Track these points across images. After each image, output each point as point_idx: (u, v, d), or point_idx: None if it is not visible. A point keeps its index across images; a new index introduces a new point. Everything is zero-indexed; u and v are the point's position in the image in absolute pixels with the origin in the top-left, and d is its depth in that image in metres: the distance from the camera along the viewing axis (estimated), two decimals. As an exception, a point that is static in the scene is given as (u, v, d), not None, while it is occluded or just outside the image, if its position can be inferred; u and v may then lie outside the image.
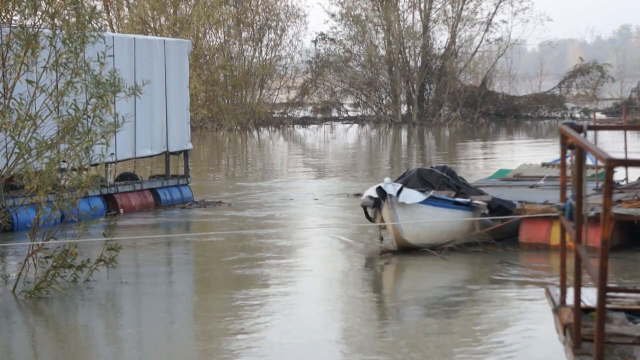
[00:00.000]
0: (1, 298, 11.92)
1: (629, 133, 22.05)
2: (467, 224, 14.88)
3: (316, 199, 21.22)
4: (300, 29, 53.24)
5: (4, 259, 14.74)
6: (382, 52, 53.06)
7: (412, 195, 14.39)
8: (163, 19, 48.25)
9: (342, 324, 10.85)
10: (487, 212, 14.90)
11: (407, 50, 52.73)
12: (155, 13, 47.98)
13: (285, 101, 53.71)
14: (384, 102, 53.91)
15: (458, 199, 15.01)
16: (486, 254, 14.51)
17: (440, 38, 54.42)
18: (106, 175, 18.87)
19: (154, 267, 14.14)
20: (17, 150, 12.08)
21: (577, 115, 53.24)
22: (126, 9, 49.53)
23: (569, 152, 5.70)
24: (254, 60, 50.34)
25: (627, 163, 4.67)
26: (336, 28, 53.54)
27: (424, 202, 14.44)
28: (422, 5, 52.56)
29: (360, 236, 16.06)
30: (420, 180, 15.56)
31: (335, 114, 55.40)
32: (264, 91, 51.33)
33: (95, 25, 12.68)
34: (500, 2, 53.03)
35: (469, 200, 15.01)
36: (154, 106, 19.79)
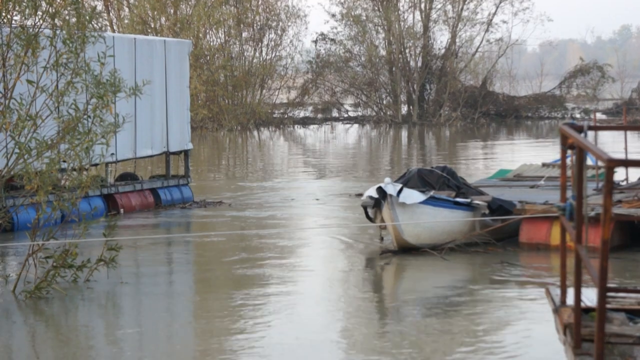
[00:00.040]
0: (1, 298, 11.92)
1: (629, 133, 22.05)
2: (467, 223, 14.89)
3: (317, 199, 21.22)
4: (300, 28, 53.33)
5: (4, 258, 14.74)
6: (382, 52, 53.08)
7: (412, 195, 14.39)
8: (163, 19, 48.25)
9: (342, 324, 10.85)
10: (487, 212, 14.90)
11: (407, 50, 52.74)
12: (155, 13, 47.99)
13: (285, 101, 53.72)
14: (384, 102, 53.91)
15: (458, 199, 15.01)
16: (486, 254, 14.51)
17: (441, 38, 54.57)
18: (106, 175, 18.87)
19: (154, 266, 14.14)
20: (17, 150, 12.08)
21: (577, 115, 53.25)
22: (126, 9, 49.54)
23: (569, 152, 5.71)
24: (254, 60, 50.35)
25: (627, 163, 4.67)
26: (336, 28, 53.60)
27: (424, 202, 14.44)
28: (422, 5, 52.57)
29: (360, 236, 16.07)
30: (420, 180, 15.57)
31: (335, 113, 55.42)
32: (264, 91, 51.34)
33: (95, 25, 12.69)
34: (500, 2, 53.07)
35: (469, 200, 15.01)
36: (154, 106, 19.79)
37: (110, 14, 48.57)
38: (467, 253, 14.49)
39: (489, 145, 39.89)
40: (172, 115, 20.38)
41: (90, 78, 12.25)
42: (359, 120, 53.45)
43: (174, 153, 20.81)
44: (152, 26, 47.90)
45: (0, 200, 15.07)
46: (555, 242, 14.49)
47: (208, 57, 48.60)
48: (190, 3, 48.38)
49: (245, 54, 50.36)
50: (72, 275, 12.19)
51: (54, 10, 12.47)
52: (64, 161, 12.28)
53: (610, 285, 4.72)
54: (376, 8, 52.67)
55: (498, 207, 14.97)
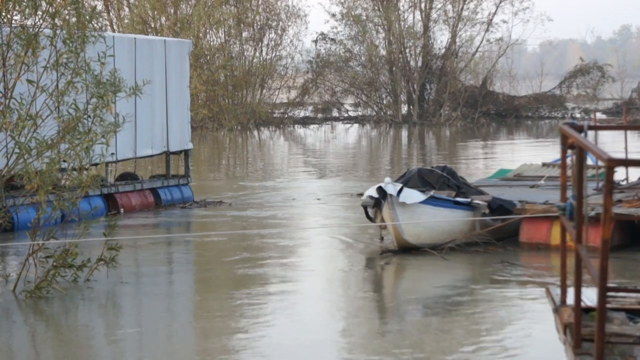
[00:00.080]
0: (1, 297, 11.92)
1: (629, 133, 22.05)
2: (467, 223, 14.89)
3: (318, 199, 21.23)
4: (300, 28, 53.37)
5: (4, 258, 14.75)
6: (383, 52, 53.07)
7: (412, 195, 14.39)
8: (163, 19, 48.25)
9: (343, 323, 10.85)
10: (487, 211, 14.90)
11: (407, 50, 52.74)
12: (155, 13, 47.99)
13: (285, 101, 53.72)
14: (384, 101, 53.91)
15: (458, 199, 15.01)
16: (486, 254, 14.51)
17: (441, 38, 54.56)
18: (106, 174, 18.87)
19: (154, 266, 14.14)
20: (17, 150, 12.08)
21: (578, 115, 53.26)
22: (126, 9, 49.54)
23: (569, 151, 5.71)
24: (254, 60, 50.35)
25: (627, 163, 4.68)
26: (336, 28, 53.60)
27: (424, 202, 14.44)
28: (423, 5, 52.57)
29: (361, 236, 16.07)
30: (421, 179, 15.57)
31: (335, 113, 55.41)
32: (264, 91, 51.34)
33: (95, 25, 12.69)
34: (500, 2, 53.06)
35: (469, 200, 15.01)
36: (154, 106, 19.79)
37: (110, 14, 48.57)
38: (467, 253, 14.50)
39: (489, 145, 39.89)
40: (172, 115, 20.38)
41: (91, 78, 12.25)
42: (359, 120, 53.45)
43: (174, 153, 20.81)
44: (152, 26, 47.90)
45: (0, 200, 15.07)
46: (555, 242, 14.49)
47: (208, 57, 48.61)
48: (190, 3, 48.38)
49: (245, 53, 50.38)
50: (72, 275, 12.19)
51: (54, 10, 12.47)
52: (64, 161, 12.28)
53: (610, 284, 4.72)
54: (376, 8, 52.67)
55: (498, 207, 14.97)
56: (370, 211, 14.79)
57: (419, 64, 52.55)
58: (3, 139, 12.82)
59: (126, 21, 48.40)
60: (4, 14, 12.77)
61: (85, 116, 12.17)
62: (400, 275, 14.02)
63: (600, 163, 10.33)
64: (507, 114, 52.57)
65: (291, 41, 51.94)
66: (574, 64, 56.59)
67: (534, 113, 54.06)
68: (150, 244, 15.76)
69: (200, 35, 47.85)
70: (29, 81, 12.39)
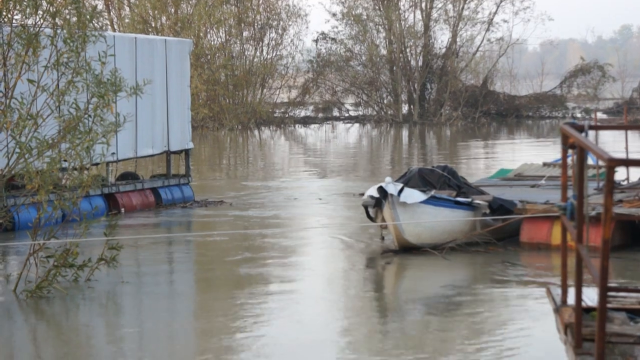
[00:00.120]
0: (2, 297, 11.93)
1: (629, 132, 22.06)
2: (468, 223, 14.89)
3: (319, 199, 21.24)
4: (301, 28, 53.38)
5: (5, 258, 14.75)
6: (383, 51, 53.07)
7: (413, 195, 14.39)
8: (164, 18, 48.26)
9: (343, 323, 10.85)
10: (488, 211, 14.90)
11: (408, 50, 52.74)
12: (156, 12, 48.00)
13: (286, 100, 53.72)
14: (385, 101, 53.91)
15: (459, 199, 15.02)
16: (487, 254, 14.52)
17: (441, 37, 54.53)
18: (107, 174, 18.87)
19: (155, 266, 14.15)
20: (17, 150, 12.09)
21: (578, 115, 53.26)
22: (127, 8, 49.55)
23: (570, 151, 5.71)
24: (255, 60, 50.36)
25: (627, 162, 4.68)
26: (337, 27, 53.61)
27: (425, 202, 14.44)
28: (423, 5, 52.57)
29: (361, 235, 16.07)
30: (421, 179, 15.57)
31: (336, 113, 55.40)
32: (264, 90, 51.35)
33: (96, 25, 12.69)
34: (501, 2, 53.07)
35: (469, 200, 15.01)
36: (154, 105, 19.80)
37: (111, 13, 48.58)
38: (468, 252, 14.50)
39: (489, 145, 39.89)
40: (172, 115, 20.39)
41: (91, 77, 12.25)
42: (360, 120, 53.45)
43: (174, 152, 20.81)
44: (153, 25, 47.91)
45: (1, 200, 15.08)
46: (556, 242, 14.49)
47: (209, 56, 48.61)
48: (191, 2, 48.39)
49: (246, 53, 50.38)
50: (73, 275, 12.19)
51: (54, 10, 12.48)
52: (65, 160, 12.28)
53: (611, 284, 4.71)
54: (377, 7, 52.68)
55: (499, 207, 14.97)
56: (371, 211, 14.80)
57: (420, 63, 52.56)
58: (4, 139, 12.82)
59: (127, 21, 48.41)
60: (4, 13, 12.77)
61: (86, 116, 12.17)
62: (401, 275, 14.02)
63: (601, 163, 10.32)
64: (507, 114, 52.57)
65: (292, 41, 51.99)
66: (575, 63, 56.58)
67: (535, 113, 54.06)
68: (151, 244, 15.76)
69: (201, 34, 47.86)
70: (30, 81, 12.39)
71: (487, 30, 53.04)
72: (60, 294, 11.72)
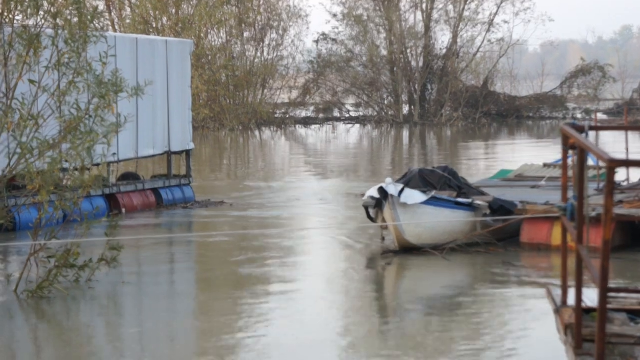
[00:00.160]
0: (3, 297, 11.94)
1: (630, 133, 22.05)
2: (468, 224, 14.90)
3: (321, 199, 21.25)
4: (301, 28, 53.28)
5: (6, 258, 14.77)
6: (384, 52, 53.07)
7: (414, 196, 14.40)
8: (165, 19, 48.26)
9: (344, 323, 10.86)
10: (488, 212, 14.91)
11: (408, 50, 52.74)
12: (157, 13, 48.00)
13: (286, 101, 53.71)
14: (386, 102, 53.91)
15: (459, 199, 15.03)
16: (487, 254, 14.53)
17: (442, 38, 54.33)
18: (108, 174, 18.88)
19: (156, 266, 14.16)
20: (18, 150, 12.10)
21: (579, 116, 53.24)
22: (128, 9, 49.55)
23: (570, 152, 5.72)
24: (256, 60, 50.36)
25: (628, 163, 4.69)
26: (338, 28, 53.60)
27: (426, 202, 14.45)
28: (424, 5, 52.58)
29: (362, 236, 16.08)
30: (422, 180, 15.58)
31: (336, 113, 55.39)
32: (265, 91, 51.35)
33: (97, 25, 12.70)
34: (501, 2, 53.05)
35: (470, 201, 15.02)
36: (155, 106, 19.81)
37: (112, 14, 48.59)
38: (468, 253, 14.51)
39: (490, 146, 39.90)
40: (173, 115, 20.40)
41: (92, 78, 12.26)
42: (361, 120, 53.44)
43: (175, 153, 20.82)
44: (154, 26, 47.91)
45: (2, 200, 15.09)
46: (556, 243, 14.50)
47: (210, 57, 48.61)
48: (192, 3, 48.38)
49: (246, 53, 50.38)
50: (74, 275, 12.20)
51: (55, 10, 12.49)
52: (66, 161, 12.29)
53: (611, 285, 4.72)
54: (377, 8, 52.67)
55: (499, 208, 14.98)
56: (372, 211, 14.81)
57: (420, 64, 52.55)
58: (5, 139, 12.83)
59: (128, 21, 48.41)
60: (6, 14, 12.79)
61: (87, 116, 12.18)
62: (402, 275, 14.03)
63: (601, 164, 10.33)
64: (508, 115, 52.56)
65: (292, 41, 52.00)
66: (575, 64, 56.56)
67: (535, 113, 54.05)
68: (151, 244, 15.77)
69: (202, 35, 47.87)
70: (31, 81, 12.41)
71: (488, 31, 53.05)
72: (61, 294, 11.73)
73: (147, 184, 20.05)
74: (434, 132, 47.43)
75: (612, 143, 33.41)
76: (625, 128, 6.61)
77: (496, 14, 53.13)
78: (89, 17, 12.43)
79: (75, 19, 12.40)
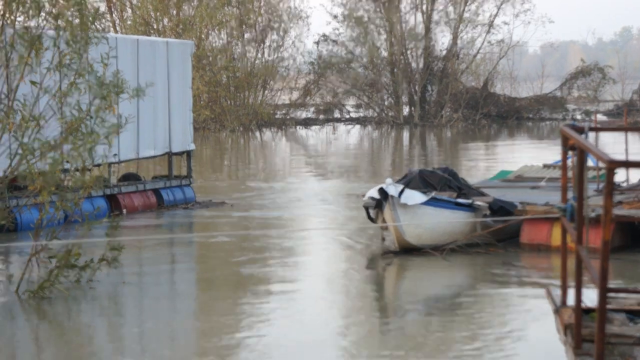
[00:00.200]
0: (4, 298, 11.96)
1: (629, 134, 22.07)
2: (468, 224, 14.92)
3: (321, 200, 21.27)
4: (302, 30, 53.27)
5: (8, 258, 14.79)
6: (384, 53, 53.08)
7: (414, 196, 14.42)
8: (166, 20, 48.26)
9: (344, 324, 10.88)
10: (488, 212, 14.93)
11: (408, 52, 52.75)
12: (158, 14, 47.99)
13: (287, 102, 53.71)
14: (386, 103, 53.91)
15: (459, 200, 15.05)
16: (487, 255, 14.55)
17: (442, 39, 54.33)
18: (109, 175, 18.90)
19: (156, 266, 14.18)
20: (20, 151, 12.12)
21: (578, 117, 53.23)
22: (129, 10, 49.55)
23: (570, 153, 5.74)
24: (257, 61, 50.35)
25: (627, 164, 4.71)
26: (338, 29, 53.60)
27: (426, 203, 14.47)
28: (424, 7, 52.58)
29: (362, 236, 16.10)
30: (422, 181, 15.60)
31: (337, 114, 55.39)
32: (266, 92, 51.35)
33: (98, 26, 12.72)
34: (501, 4, 53.05)
35: (470, 201, 15.04)
36: (156, 107, 19.83)
37: (113, 15, 48.59)
38: (468, 254, 14.53)
39: (490, 147, 39.90)
40: (174, 116, 20.42)
41: (94, 79, 12.28)
42: (361, 121, 53.44)
43: (176, 154, 20.84)
44: (155, 27, 47.91)
45: (3, 201, 15.12)
46: (556, 243, 14.52)
47: (210, 58, 48.61)
48: (192, 4, 48.39)
49: (247, 55, 50.37)
50: (75, 275, 12.21)
51: (57, 11, 12.51)
52: (67, 162, 12.31)
53: (610, 285, 4.75)
54: (378, 9, 52.68)
55: (499, 208, 15.00)
56: (372, 212, 14.82)
57: (421, 65, 52.55)
58: (6, 140, 12.86)
59: (129, 22, 48.41)
60: (7, 15, 12.81)
61: (88, 117, 12.20)
62: (402, 276, 14.05)
63: (601, 164, 10.35)
64: (508, 116, 52.56)
65: (293, 42, 51.99)
66: (575, 65, 56.56)
67: (535, 114, 54.05)
68: (152, 245, 15.79)
69: (203, 36, 47.87)
70: (32, 82, 12.43)
71: (488, 32, 53.04)
72: (62, 295, 11.75)
73: (148, 185, 20.07)
74: (434, 133, 47.44)
75: (612, 144, 33.42)
76: (625, 129, 6.64)
77: (496, 15, 53.16)
78: (90, 19, 12.45)
79: (77, 20, 12.42)
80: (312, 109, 55.10)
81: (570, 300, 5.62)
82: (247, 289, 12.48)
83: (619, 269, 13.47)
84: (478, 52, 52.99)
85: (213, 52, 48.77)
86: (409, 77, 52.48)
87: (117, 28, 47.92)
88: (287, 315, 11.16)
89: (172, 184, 20.49)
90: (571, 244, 5.44)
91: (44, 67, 12.41)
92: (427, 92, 52.99)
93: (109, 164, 18.48)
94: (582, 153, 5.25)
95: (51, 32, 12.48)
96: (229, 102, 49.23)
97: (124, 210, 19.01)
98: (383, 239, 15.15)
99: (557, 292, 5.95)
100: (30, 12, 12.57)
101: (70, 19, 12.46)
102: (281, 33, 51.26)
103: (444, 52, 52.69)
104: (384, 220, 14.54)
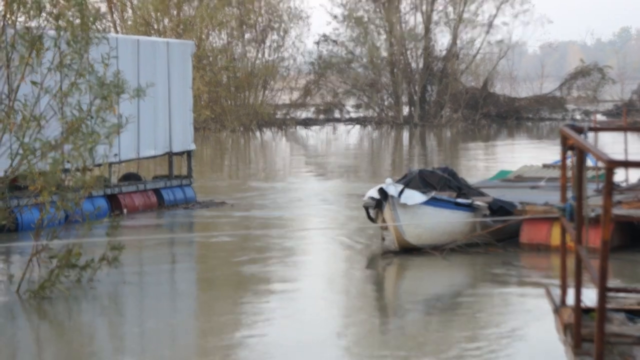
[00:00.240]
0: (5, 298, 11.97)
1: (629, 134, 22.08)
2: (468, 224, 14.94)
3: (322, 200, 21.28)
4: (302, 30, 53.25)
5: (8, 258, 14.80)
6: (384, 54, 53.08)
7: (414, 196, 14.44)
8: (166, 20, 48.26)
9: (344, 323, 10.90)
10: (488, 212, 14.95)
11: (408, 52, 52.75)
12: (158, 14, 47.99)
13: (287, 102, 53.71)
14: (386, 103, 53.91)
15: (459, 200, 15.06)
16: (487, 255, 14.56)
17: (442, 40, 54.31)
18: (109, 175, 18.92)
19: (157, 266, 14.20)
20: (21, 151, 12.14)
21: (578, 117, 53.24)
22: (130, 10, 49.56)
23: (570, 153, 5.76)
24: (257, 61, 50.35)
25: (627, 164, 4.73)
26: (338, 29, 53.60)
27: (425, 203, 14.49)
28: (424, 7, 52.58)
29: (362, 236, 16.11)
30: (422, 181, 15.61)
31: (337, 114, 55.39)
32: (266, 92, 51.35)
33: (99, 27, 12.74)
34: (501, 4, 53.04)
35: (470, 201, 15.06)
36: (157, 107, 19.84)
37: (114, 16, 48.60)
38: (468, 254, 14.54)
39: (489, 147, 39.91)
40: (175, 116, 20.44)
41: (94, 79, 12.30)
42: (361, 121, 53.43)
43: (176, 154, 20.85)
44: (155, 27, 47.91)
45: (4, 201, 15.13)
46: (555, 243, 14.53)
47: (211, 58, 48.61)
48: (193, 4, 48.39)
49: (247, 55, 50.37)
50: (75, 275, 12.23)
51: (58, 12, 12.53)
52: (68, 162, 12.33)
53: (610, 285, 4.77)
54: (378, 10, 52.69)
55: (499, 208, 15.02)
56: (372, 212, 14.84)
57: (420, 65, 52.56)
58: (7, 140, 12.88)
59: (129, 23, 48.41)
60: (8, 15, 12.83)
61: (89, 117, 12.22)
62: (401, 275, 14.07)
63: (600, 164, 10.37)
64: (507, 116, 52.56)
65: (293, 43, 51.98)
66: (574, 65, 56.56)
67: (535, 115, 54.05)
68: (153, 244, 15.81)
69: (203, 36, 47.87)
70: (33, 82, 12.45)
71: (487, 32, 53.04)
72: (63, 294, 11.77)
73: (149, 185, 20.08)
74: (433, 133, 47.45)
75: (611, 144, 33.42)
76: (624, 129, 6.66)
77: (495, 15, 53.15)
78: (91, 19, 12.48)
79: (78, 21, 12.44)
80: (312, 109, 55.10)
81: (570, 300, 5.63)
82: (247, 288, 12.50)
83: (619, 268, 13.48)
84: (478, 53, 53.00)
85: (213, 52, 48.78)
86: (408, 77, 52.49)
87: (118, 28, 47.93)
88: (288, 315, 11.18)
89: (172, 183, 20.50)
90: (571, 243, 5.45)
91: (45, 67, 12.43)
92: (427, 92, 52.99)
93: (110, 164, 18.50)
94: (581, 153, 5.27)
95: (52, 33, 12.51)
96: (229, 102, 49.23)
97: (125, 210, 19.03)
98: (383, 239, 15.16)
99: (556, 292, 5.97)
100: (31, 12, 12.60)
101: (71, 19, 12.48)
102: (281, 33, 51.27)
103: (444, 53, 52.69)
104: (384, 220, 14.56)
